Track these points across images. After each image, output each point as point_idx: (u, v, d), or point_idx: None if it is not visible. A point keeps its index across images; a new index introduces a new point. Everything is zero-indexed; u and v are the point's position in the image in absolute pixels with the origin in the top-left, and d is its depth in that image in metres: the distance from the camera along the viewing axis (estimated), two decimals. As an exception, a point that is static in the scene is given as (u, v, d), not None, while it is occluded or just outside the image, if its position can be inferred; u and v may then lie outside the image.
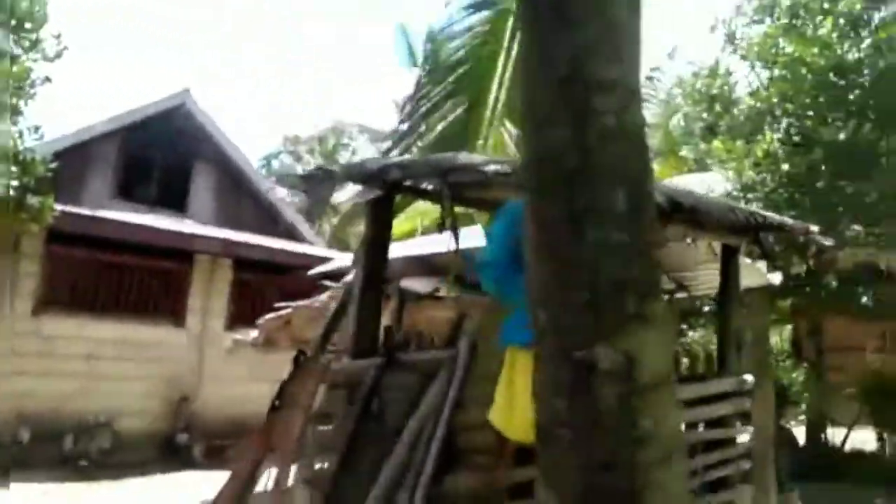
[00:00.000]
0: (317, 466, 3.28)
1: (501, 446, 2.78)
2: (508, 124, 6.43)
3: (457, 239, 3.10)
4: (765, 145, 7.16)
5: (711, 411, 4.15)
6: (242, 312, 9.22)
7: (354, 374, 3.36)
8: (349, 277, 4.49)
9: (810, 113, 7.30)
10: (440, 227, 3.23)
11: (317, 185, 3.75)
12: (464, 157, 3.62)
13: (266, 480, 3.26)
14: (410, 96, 5.82)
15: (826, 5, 7.50)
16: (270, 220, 11.96)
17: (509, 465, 2.96)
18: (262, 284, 9.66)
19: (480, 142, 6.27)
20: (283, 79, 46.33)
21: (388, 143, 7.93)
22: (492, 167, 2.95)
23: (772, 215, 4.52)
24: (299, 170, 21.76)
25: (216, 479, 3.67)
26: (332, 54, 46.82)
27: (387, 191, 3.80)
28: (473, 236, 3.67)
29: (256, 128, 41.34)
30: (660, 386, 1.59)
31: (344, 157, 22.11)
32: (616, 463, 1.52)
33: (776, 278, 6.95)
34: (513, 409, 2.55)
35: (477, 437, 2.96)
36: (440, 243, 3.69)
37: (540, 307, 1.65)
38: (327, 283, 6.76)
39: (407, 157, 5.79)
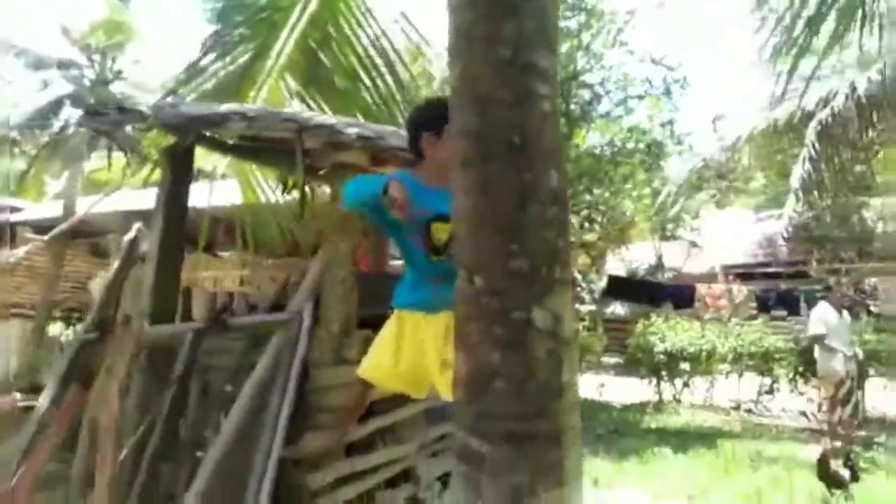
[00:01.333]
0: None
1: (358, 404, 2.89)
2: (289, 78, 6.02)
3: (303, 206, 3.08)
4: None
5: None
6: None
7: (168, 340, 3.10)
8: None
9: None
10: (284, 189, 3.12)
11: (114, 126, 3.16)
12: (255, 108, 3.47)
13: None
14: (213, 34, 5.25)
15: None
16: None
17: (355, 422, 3.08)
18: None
19: (253, 93, 5.93)
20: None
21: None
22: (352, 130, 2.94)
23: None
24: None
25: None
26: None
27: (192, 140, 3.51)
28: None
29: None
30: (571, 341, 1.86)
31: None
32: (546, 409, 1.75)
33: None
34: (398, 363, 2.66)
35: (327, 397, 3.00)
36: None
37: (478, 273, 1.79)
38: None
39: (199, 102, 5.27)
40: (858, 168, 10.37)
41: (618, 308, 20.19)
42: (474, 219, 1.81)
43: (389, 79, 4.35)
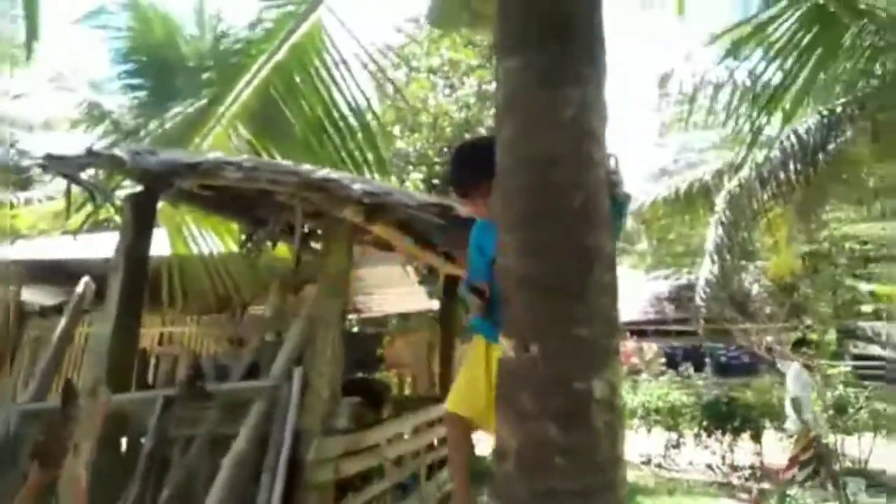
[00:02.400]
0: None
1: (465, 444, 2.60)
2: (241, 128, 5.70)
3: (298, 258, 2.87)
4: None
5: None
6: None
7: (133, 410, 2.74)
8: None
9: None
10: (246, 242, 2.88)
11: (79, 170, 2.81)
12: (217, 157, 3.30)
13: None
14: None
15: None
16: None
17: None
18: None
19: (197, 140, 5.63)
20: None
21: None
22: (357, 186, 2.80)
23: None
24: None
25: None
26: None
27: (159, 187, 3.24)
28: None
29: None
30: (622, 411, 1.81)
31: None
32: (607, 484, 1.67)
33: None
34: (488, 396, 2.26)
35: (320, 472, 2.73)
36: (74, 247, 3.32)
37: (535, 340, 1.71)
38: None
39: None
40: (753, 234, 11.37)
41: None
42: (530, 282, 1.74)
43: (360, 134, 4.23)
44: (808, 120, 8.22)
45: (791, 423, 8.23)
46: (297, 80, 4.09)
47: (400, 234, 3.73)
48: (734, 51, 4.62)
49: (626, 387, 13.47)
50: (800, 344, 10.07)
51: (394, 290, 8.50)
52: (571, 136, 1.75)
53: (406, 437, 4.58)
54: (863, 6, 4.15)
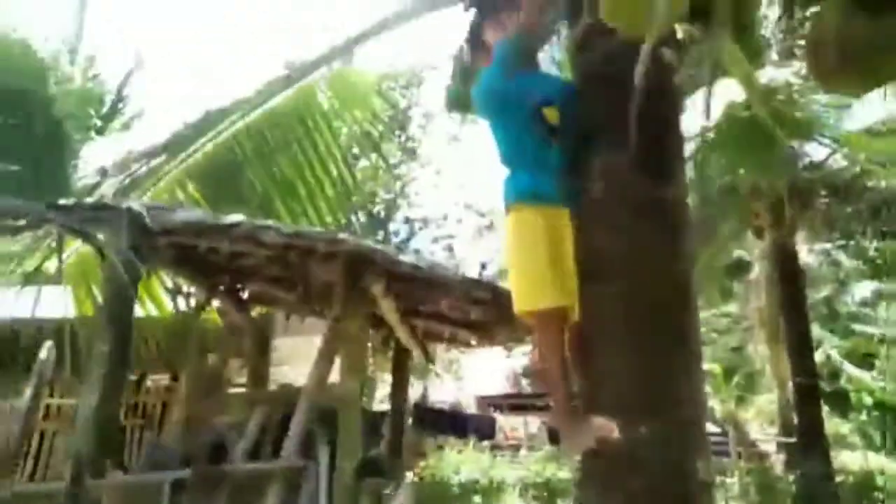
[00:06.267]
0: None
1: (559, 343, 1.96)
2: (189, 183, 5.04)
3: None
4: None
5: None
6: None
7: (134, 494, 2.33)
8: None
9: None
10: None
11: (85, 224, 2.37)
12: None
13: None
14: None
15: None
16: None
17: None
18: None
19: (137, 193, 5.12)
20: None
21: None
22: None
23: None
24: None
25: None
26: None
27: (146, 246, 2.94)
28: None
29: None
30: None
31: None
32: None
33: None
34: (559, 269, 2.01)
35: None
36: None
37: (644, 421, 1.74)
38: None
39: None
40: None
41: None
42: (635, 368, 1.78)
43: (329, 190, 4.06)
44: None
45: None
46: (269, 139, 3.92)
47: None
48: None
49: (505, 461, 13.60)
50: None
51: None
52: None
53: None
54: None
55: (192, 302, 4.22)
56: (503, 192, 2.18)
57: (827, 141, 4.93)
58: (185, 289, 4.39)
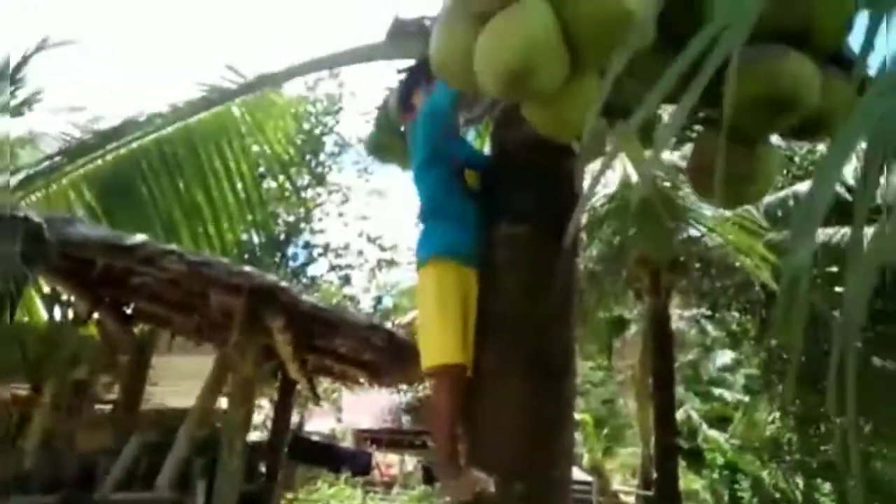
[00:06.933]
0: None
1: (454, 407, 2.02)
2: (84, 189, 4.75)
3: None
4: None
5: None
6: None
7: None
8: None
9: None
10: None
11: None
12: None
13: None
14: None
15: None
16: None
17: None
18: None
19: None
20: None
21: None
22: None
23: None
24: None
25: None
26: None
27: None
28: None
29: None
30: None
31: None
32: None
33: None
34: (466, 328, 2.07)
35: None
36: None
37: (518, 478, 1.89)
38: None
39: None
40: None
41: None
42: (517, 426, 1.94)
43: (233, 209, 3.95)
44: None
45: None
46: (178, 153, 3.80)
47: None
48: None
49: (377, 498, 13.46)
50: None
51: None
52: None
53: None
54: None
55: (71, 312, 3.97)
56: (418, 244, 2.29)
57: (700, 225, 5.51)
58: (64, 297, 4.14)
